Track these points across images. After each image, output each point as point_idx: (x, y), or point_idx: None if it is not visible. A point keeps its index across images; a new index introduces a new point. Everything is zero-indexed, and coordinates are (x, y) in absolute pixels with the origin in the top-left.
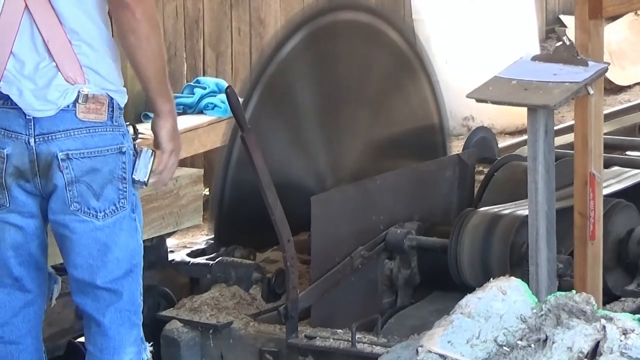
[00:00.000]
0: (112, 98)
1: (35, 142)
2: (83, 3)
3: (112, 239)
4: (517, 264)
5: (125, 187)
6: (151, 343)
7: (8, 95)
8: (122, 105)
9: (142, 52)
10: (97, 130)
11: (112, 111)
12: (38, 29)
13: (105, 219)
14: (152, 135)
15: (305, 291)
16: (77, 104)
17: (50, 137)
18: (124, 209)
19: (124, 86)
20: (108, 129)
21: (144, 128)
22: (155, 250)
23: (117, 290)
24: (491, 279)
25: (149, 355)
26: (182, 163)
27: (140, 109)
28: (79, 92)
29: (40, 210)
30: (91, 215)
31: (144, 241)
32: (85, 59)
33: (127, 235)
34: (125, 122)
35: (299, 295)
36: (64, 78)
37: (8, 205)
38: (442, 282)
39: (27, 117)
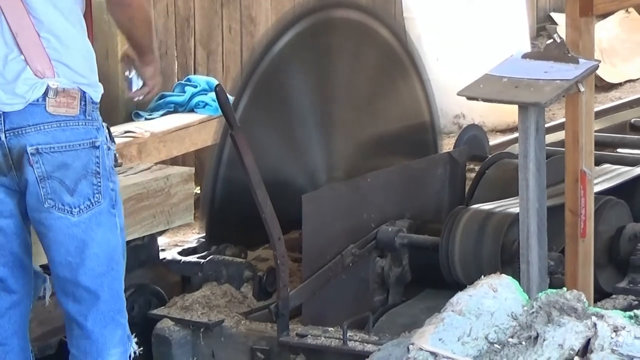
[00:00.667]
0: (84, 92)
1: (6, 137)
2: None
3: (89, 235)
4: (508, 262)
5: (100, 182)
6: (134, 334)
7: None
8: (97, 100)
9: (137, 21)
10: (68, 124)
11: (85, 105)
12: (7, 21)
13: (80, 215)
14: (145, 132)
15: (296, 289)
16: (46, 98)
17: (20, 132)
18: (99, 203)
19: (116, 85)
20: (80, 123)
21: (135, 126)
22: (146, 248)
23: (99, 289)
24: (482, 276)
25: (135, 347)
26: (174, 162)
27: (131, 107)
28: (47, 85)
29: (19, 209)
30: (66, 211)
31: (135, 240)
32: (54, 53)
33: (107, 231)
34: (116, 120)
35: (290, 294)
36: (32, 72)
37: None
38: (433, 280)
39: None
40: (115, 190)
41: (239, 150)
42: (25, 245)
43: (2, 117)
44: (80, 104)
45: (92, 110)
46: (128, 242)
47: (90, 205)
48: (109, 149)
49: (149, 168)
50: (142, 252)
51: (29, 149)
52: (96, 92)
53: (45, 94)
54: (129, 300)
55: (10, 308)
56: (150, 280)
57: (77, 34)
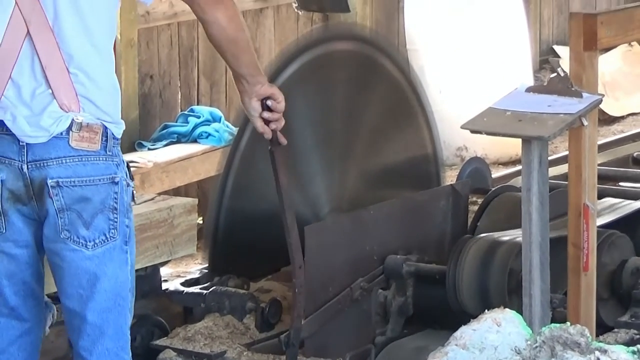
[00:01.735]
0: (106, 128)
1: (28, 168)
2: (90, 33)
3: (102, 269)
4: (515, 291)
5: (117, 218)
6: None
7: (3, 121)
8: (118, 136)
9: (245, 35)
10: (89, 159)
11: (106, 141)
12: (38, 55)
13: (95, 249)
14: (148, 162)
15: (306, 321)
16: (70, 132)
17: (42, 164)
18: (114, 239)
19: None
20: (101, 159)
21: (138, 156)
22: (149, 279)
23: (104, 324)
24: (489, 305)
25: None
26: (177, 192)
27: (134, 137)
28: (72, 120)
29: (35, 239)
30: (80, 244)
31: (137, 270)
32: (82, 88)
33: (117, 267)
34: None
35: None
36: (58, 105)
37: (4, 231)
38: (436, 317)
39: (21, 143)
40: (130, 227)
41: (276, 167)
42: (38, 275)
43: (25, 149)
44: (102, 139)
45: (113, 146)
46: None
47: (105, 240)
48: (127, 185)
49: (152, 199)
50: (144, 282)
51: (50, 182)
52: (118, 129)
53: (70, 127)
54: (131, 331)
55: (21, 336)
56: (153, 311)
57: (107, 70)
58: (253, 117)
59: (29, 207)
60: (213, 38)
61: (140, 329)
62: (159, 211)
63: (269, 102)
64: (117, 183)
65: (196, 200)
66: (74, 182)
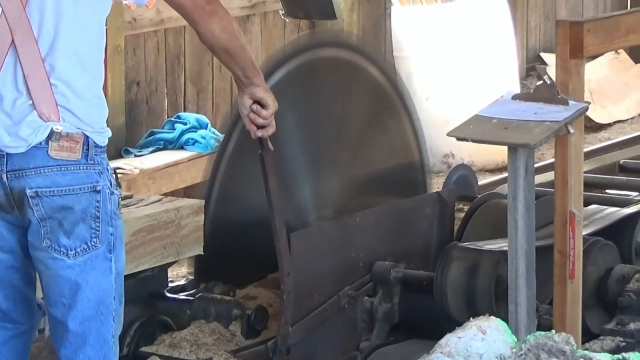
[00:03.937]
0: (87, 137)
1: (7, 177)
2: (75, 42)
3: (84, 278)
4: (503, 298)
5: (99, 226)
6: None
7: None
8: (102, 144)
9: (238, 42)
10: (69, 168)
11: (88, 149)
12: (21, 65)
13: (76, 258)
14: (135, 169)
15: (293, 327)
16: (49, 142)
17: (21, 174)
18: (96, 248)
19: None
20: (82, 167)
21: (124, 163)
22: (155, 279)
23: (86, 332)
24: (476, 312)
25: None
26: None
27: (120, 144)
28: (51, 129)
29: (20, 244)
30: (61, 252)
31: (144, 271)
32: (62, 99)
33: (100, 275)
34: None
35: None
36: (38, 115)
37: None
38: (421, 328)
39: (1, 152)
40: (114, 235)
41: (265, 171)
42: (28, 279)
43: (4, 158)
44: (83, 148)
45: (95, 154)
46: (138, 273)
47: (87, 249)
48: (112, 193)
49: (159, 200)
50: (151, 283)
51: (29, 192)
52: (101, 137)
53: (49, 137)
54: (137, 330)
55: (13, 337)
56: (159, 312)
57: (90, 82)
58: (242, 114)
59: (12, 215)
60: (207, 46)
61: (147, 329)
62: (167, 212)
63: (253, 107)
64: (99, 192)
65: (203, 202)
66: (53, 191)
